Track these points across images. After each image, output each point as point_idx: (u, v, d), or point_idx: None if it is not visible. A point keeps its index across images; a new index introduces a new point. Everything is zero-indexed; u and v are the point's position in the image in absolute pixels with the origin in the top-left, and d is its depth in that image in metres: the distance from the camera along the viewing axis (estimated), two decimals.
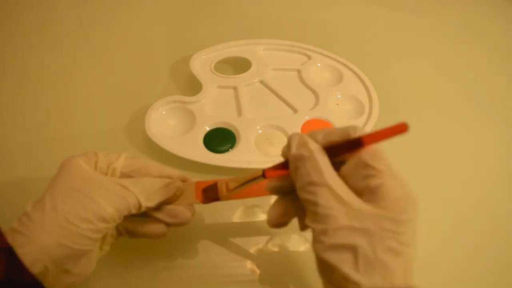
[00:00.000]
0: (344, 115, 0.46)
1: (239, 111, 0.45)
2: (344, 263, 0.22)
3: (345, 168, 0.25)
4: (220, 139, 0.42)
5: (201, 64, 0.49)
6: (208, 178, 0.40)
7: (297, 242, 0.37)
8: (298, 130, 0.43)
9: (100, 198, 0.26)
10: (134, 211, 0.28)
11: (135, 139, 0.43)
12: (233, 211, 0.39)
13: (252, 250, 0.37)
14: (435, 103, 0.51)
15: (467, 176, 0.44)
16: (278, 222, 0.27)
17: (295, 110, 0.45)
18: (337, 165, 0.25)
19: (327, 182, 0.23)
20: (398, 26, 0.61)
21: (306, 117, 0.44)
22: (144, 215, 0.30)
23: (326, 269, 0.23)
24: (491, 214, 0.41)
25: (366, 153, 0.24)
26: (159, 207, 0.31)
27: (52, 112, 0.46)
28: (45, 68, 0.50)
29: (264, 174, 0.27)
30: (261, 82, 0.48)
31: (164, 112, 0.44)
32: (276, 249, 0.37)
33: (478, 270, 0.37)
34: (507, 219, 0.41)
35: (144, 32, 0.57)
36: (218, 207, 0.39)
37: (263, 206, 0.39)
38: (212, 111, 0.44)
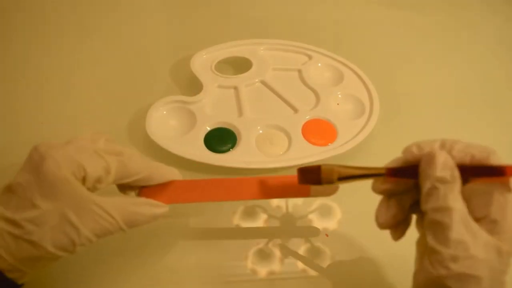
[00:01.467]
0: (345, 115, 0.46)
1: (240, 111, 0.45)
2: None
3: (468, 190, 0.25)
4: (220, 139, 0.42)
5: (202, 64, 0.49)
6: (208, 178, 0.41)
7: (297, 243, 0.37)
8: (299, 130, 0.43)
9: (87, 231, 0.26)
10: (115, 233, 0.28)
11: (136, 139, 0.43)
12: (234, 211, 0.39)
13: (253, 250, 0.37)
14: (436, 103, 0.50)
15: None
16: (391, 223, 0.27)
17: (295, 110, 0.45)
18: None
19: (462, 210, 0.23)
20: (399, 26, 0.61)
21: (307, 117, 0.44)
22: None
23: None
24: None
25: (498, 183, 0.24)
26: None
27: (53, 112, 0.46)
28: (46, 68, 0.50)
29: (386, 173, 0.27)
30: (262, 82, 0.48)
31: (164, 112, 0.44)
32: (277, 249, 0.37)
33: None
34: None
35: (145, 32, 0.57)
36: (219, 207, 0.39)
37: (263, 206, 0.39)
38: (212, 111, 0.44)
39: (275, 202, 0.40)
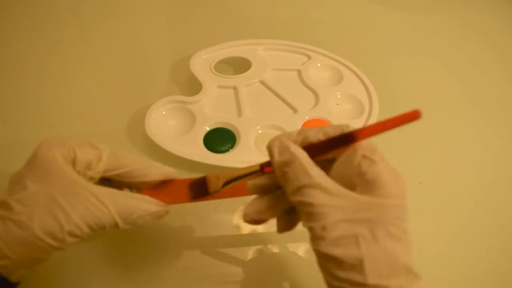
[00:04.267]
0: (344, 115, 0.46)
1: (239, 111, 0.45)
2: (347, 254, 0.22)
3: (336, 165, 0.25)
4: (220, 139, 0.42)
5: (201, 64, 0.49)
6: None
7: (297, 243, 0.37)
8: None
9: (77, 216, 0.25)
10: (109, 229, 0.27)
11: (135, 139, 0.43)
12: (234, 210, 0.39)
13: (253, 250, 0.37)
14: (436, 103, 0.51)
15: (468, 175, 0.44)
16: (255, 218, 0.27)
17: (295, 110, 0.45)
18: (323, 164, 0.25)
19: (317, 182, 0.23)
20: (398, 26, 0.61)
21: (306, 117, 0.44)
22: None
23: (328, 264, 0.23)
24: (495, 214, 0.41)
25: (357, 147, 0.24)
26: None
27: (52, 112, 0.46)
28: (45, 68, 0.50)
29: (262, 169, 0.28)
30: (261, 82, 0.48)
31: (164, 112, 0.44)
32: (277, 249, 0.37)
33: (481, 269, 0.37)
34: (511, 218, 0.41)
35: (144, 32, 0.57)
36: (218, 206, 0.39)
37: None
38: (212, 111, 0.44)
39: None
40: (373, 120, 0.45)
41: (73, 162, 0.26)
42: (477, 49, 0.59)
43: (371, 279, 0.22)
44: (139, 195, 0.29)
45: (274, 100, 0.47)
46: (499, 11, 0.65)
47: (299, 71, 0.50)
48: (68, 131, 0.44)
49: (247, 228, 0.38)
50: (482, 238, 0.39)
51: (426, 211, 0.39)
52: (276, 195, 0.27)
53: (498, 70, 0.56)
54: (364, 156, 0.24)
